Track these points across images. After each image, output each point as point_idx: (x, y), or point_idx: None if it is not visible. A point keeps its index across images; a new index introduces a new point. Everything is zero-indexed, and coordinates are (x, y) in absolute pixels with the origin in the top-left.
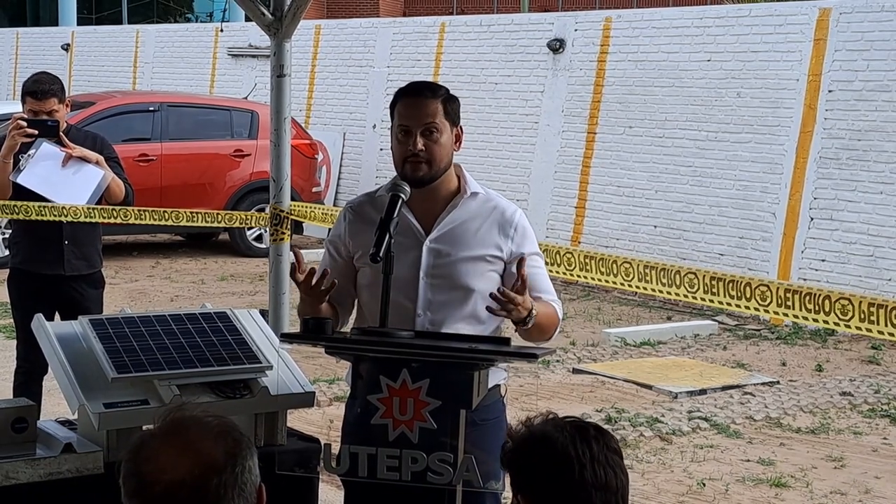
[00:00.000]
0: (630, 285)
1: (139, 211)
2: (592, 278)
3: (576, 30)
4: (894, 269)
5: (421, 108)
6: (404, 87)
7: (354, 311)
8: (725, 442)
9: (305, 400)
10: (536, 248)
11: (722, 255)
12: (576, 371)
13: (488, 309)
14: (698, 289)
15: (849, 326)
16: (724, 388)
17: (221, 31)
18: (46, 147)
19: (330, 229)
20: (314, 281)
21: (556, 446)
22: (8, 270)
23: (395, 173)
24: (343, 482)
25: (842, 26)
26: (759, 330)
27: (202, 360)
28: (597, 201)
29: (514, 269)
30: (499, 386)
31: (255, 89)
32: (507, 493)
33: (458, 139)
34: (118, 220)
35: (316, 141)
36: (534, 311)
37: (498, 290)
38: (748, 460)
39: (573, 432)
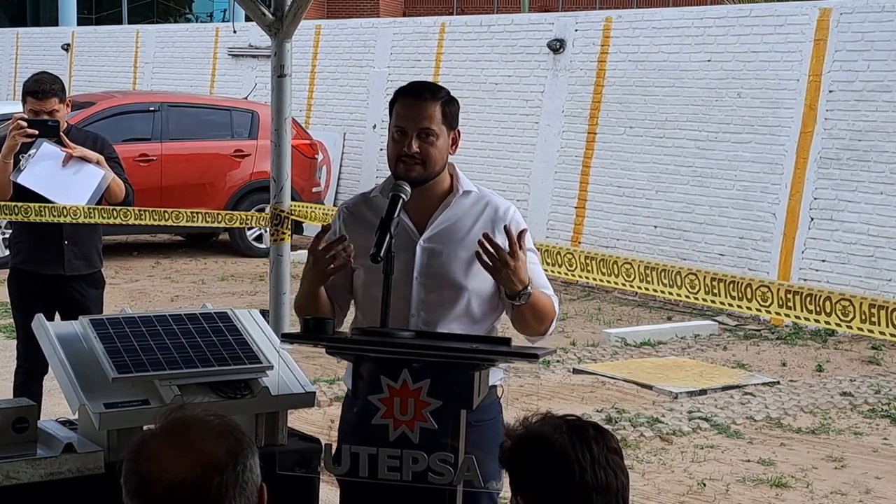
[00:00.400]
0: (631, 286)
1: (139, 211)
2: (593, 279)
3: (576, 30)
4: (894, 269)
5: (419, 111)
6: (405, 86)
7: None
8: (726, 442)
9: (306, 400)
10: (531, 245)
11: (722, 255)
12: (576, 371)
13: (477, 255)
14: (699, 289)
15: (850, 327)
16: (725, 389)
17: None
18: (47, 147)
19: None
20: (328, 249)
21: (554, 447)
22: (8, 270)
23: None
24: (340, 482)
25: (842, 26)
26: (759, 330)
27: (203, 360)
28: (597, 201)
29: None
30: (495, 386)
31: (255, 89)
32: (507, 494)
33: (455, 142)
34: (118, 221)
35: (316, 141)
36: (529, 289)
37: (484, 235)
38: (748, 460)
39: (572, 433)
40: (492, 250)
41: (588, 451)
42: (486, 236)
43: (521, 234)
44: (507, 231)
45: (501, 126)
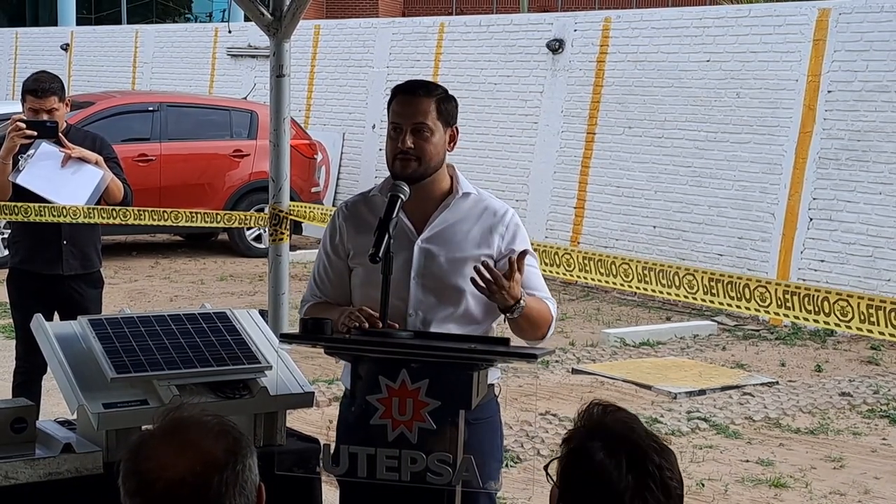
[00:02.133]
0: (629, 286)
1: (138, 211)
2: (591, 279)
3: (575, 30)
4: (893, 269)
5: (413, 107)
6: (401, 84)
7: None
8: (724, 442)
9: (305, 400)
10: (528, 248)
11: (721, 255)
12: (575, 371)
13: (472, 281)
14: (697, 289)
15: (849, 327)
16: (724, 389)
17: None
18: (45, 147)
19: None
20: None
21: (611, 484)
22: (7, 270)
23: None
24: (339, 482)
25: (841, 27)
26: (758, 330)
27: (201, 361)
28: (596, 202)
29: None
30: (493, 385)
31: (254, 89)
32: (505, 494)
33: (453, 139)
34: (118, 221)
35: (315, 141)
36: (522, 303)
37: (483, 263)
38: (747, 461)
39: (636, 474)
40: (489, 277)
41: (648, 495)
42: (485, 265)
43: (522, 254)
44: (510, 259)
45: (500, 126)
